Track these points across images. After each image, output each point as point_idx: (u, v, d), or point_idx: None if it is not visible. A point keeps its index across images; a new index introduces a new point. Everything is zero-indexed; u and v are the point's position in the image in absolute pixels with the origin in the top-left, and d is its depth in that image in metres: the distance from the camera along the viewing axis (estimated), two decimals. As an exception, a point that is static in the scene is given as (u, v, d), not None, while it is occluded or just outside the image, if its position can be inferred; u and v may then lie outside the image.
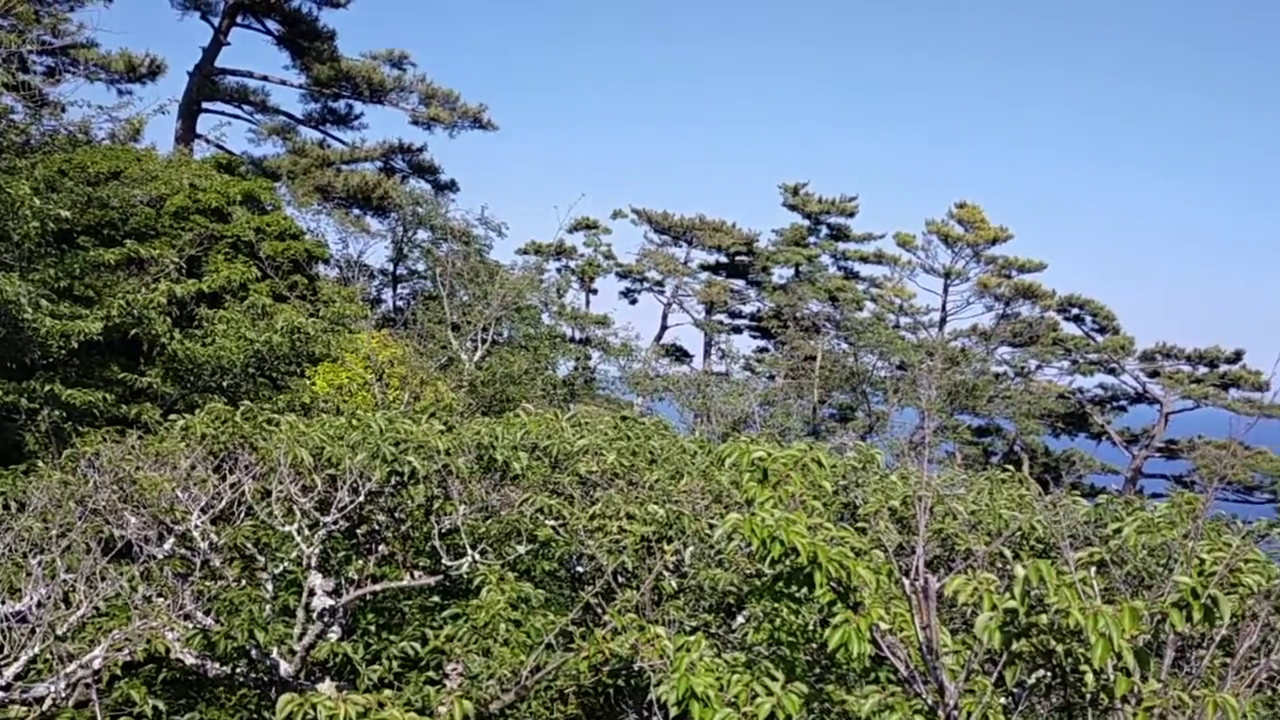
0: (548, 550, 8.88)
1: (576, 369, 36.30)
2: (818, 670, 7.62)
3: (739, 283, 45.43)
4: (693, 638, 6.34)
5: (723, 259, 45.12)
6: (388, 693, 6.38)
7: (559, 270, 40.93)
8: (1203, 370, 38.68)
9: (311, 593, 8.65)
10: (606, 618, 7.46)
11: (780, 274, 45.04)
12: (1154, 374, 39.68)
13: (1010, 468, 11.98)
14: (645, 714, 7.28)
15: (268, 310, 17.39)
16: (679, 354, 43.86)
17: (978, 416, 39.38)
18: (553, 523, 8.61)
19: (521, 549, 8.59)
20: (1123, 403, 41.20)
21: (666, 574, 8.40)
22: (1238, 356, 37.93)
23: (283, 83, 35.21)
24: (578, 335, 38.48)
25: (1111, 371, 40.59)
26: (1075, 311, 40.57)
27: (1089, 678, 4.84)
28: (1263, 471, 36.19)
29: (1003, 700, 5.94)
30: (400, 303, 33.43)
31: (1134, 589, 7.02)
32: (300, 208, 28.69)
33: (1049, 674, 5.26)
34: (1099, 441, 40.85)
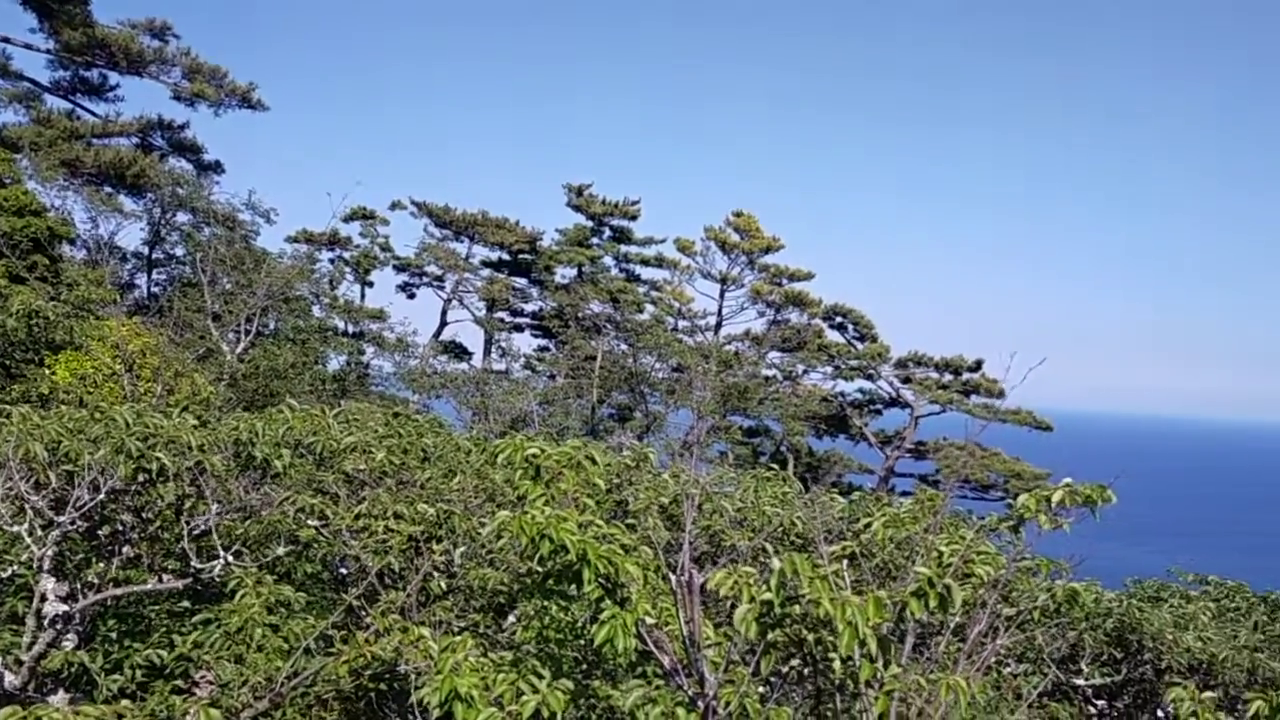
0: (310, 552, 8.53)
1: (349, 364, 35.12)
2: (585, 666, 7.66)
3: (521, 281, 45.32)
4: (459, 638, 6.23)
5: (505, 256, 44.87)
6: (126, 703, 5.95)
7: (332, 261, 39.53)
8: (948, 377, 41.76)
9: (43, 598, 7.94)
10: (369, 620, 7.24)
11: (563, 274, 45.28)
12: (906, 380, 42.48)
13: (775, 467, 12.49)
14: (408, 718, 7.09)
15: (1, 292, 15.87)
16: (458, 351, 43.25)
17: (748, 418, 40.95)
18: (315, 523, 8.27)
19: (281, 550, 8.20)
20: (879, 406, 43.87)
21: (436, 574, 8.23)
22: (978, 365, 41.17)
23: (28, 46, 32.22)
24: (351, 329, 37.24)
25: (870, 377, 43.15)
26: (839, 320, 42.89)
27: (836, 665, 5.08)
28: (997, 471, 39.45)
29: (761, 689, 6.17)
30: (156, 289, 31.30)
31: (881, 580, 7.46)
32: (44, 182, 26.36)
33: (801, 662, 5.49)
34: (857, 442, 43.34)
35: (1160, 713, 12.98)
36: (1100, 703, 13.80)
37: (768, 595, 4.84)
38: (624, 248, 45.62)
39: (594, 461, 6.93)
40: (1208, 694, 6.73)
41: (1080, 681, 12.58)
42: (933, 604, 4.93)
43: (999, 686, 10.20)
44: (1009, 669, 11.85)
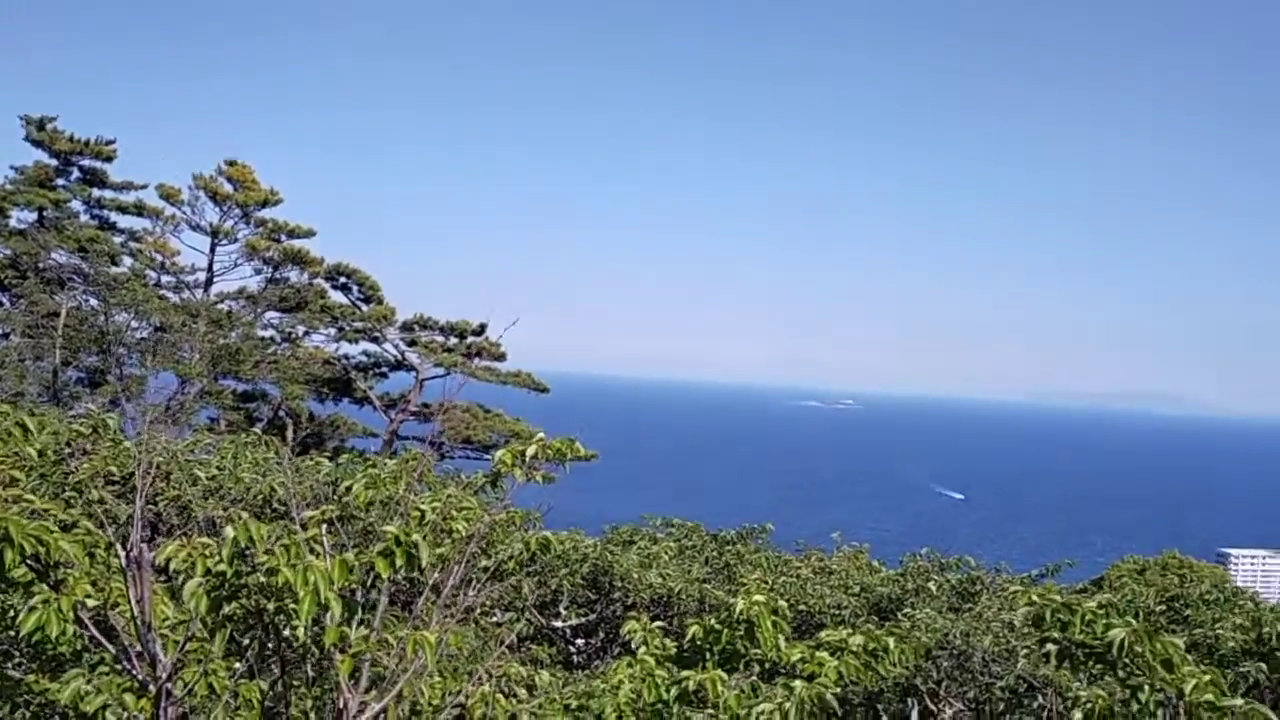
0: None
1: None
2: (18, 660, 6.70)
3: (-37, 224, 38.65)
4: None
5: (-62, 195, 37.97)
6: None
7: None
8: (453, 340, 42.60)
9: None
10: None
11: (20, 218, 39.29)
12: (412, 343, 42.65)
13: (260, 433, 11.83)
14: None
15: None
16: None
17: (243, 381, 38.63)
18: None
19: None
20: (384, 369, 43.61)
21: None
22: (482, 329, 42.47)
23: None
24: None
25: (375, 340, 42.70)
26: (343, 280, 41.87)
27: (301, 631, 4.88)
28: (499, 431, 41.06)
29: (239, 665, 5.77)
30: None
31: (363, 543, 7.33)
32: None
33: (264, 632, 5.21)
34: (361, 406, 42.75)
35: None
36: (580, 641, 14.91)
37: (221, 566, 4.50)
38: (97, 192, 40.65)
39: (27, 430, 6.03)
40: (657, 623, 7.45)
41: (559, 623, 13.51)
42: (400, 562, 4.89)
43: (485, 632, 10.59)
44: (494, 618, 12.36)
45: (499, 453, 6.85)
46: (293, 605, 4.60)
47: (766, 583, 13.87)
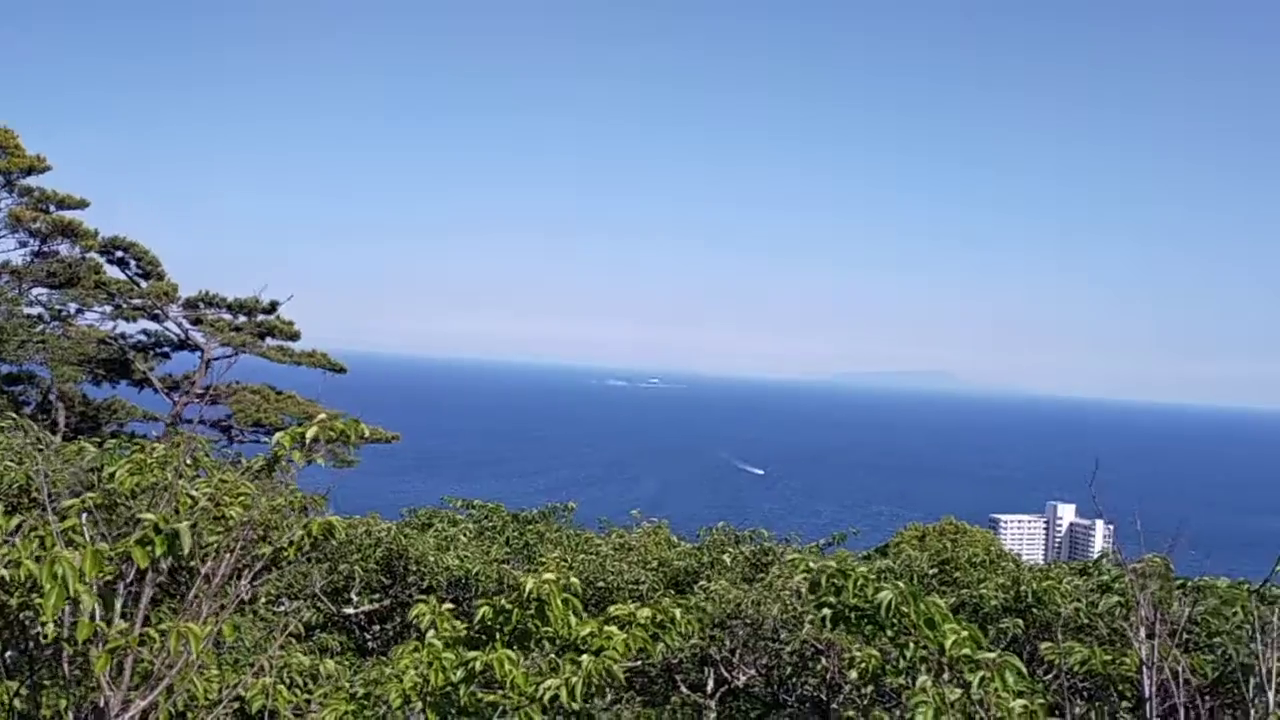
0: None
1: None
2: None
3: None
4: None
5: None
6: None
7: None
8: (242, 319, 40.56)
9: None
10: None
11: None
12: (197, 321, 40.33)
13: (20, 418, 10.94)
14: None
15: None
16: None
17: (6, 363, 35.58)
18: None
19: None
20: (166, 349, 41.05)
21: None
22: (274, 307, 40.59)
23: None
24: None
25: (155, 318, 40.13)
26: (120, 254, 39.08)
27: (49, 627, 4.52)
28: (291, 414, 39.45)
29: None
30: None
31: (125, 532, 6.88)
32: None
33: (7, 630, 4.80)
34: (141, 388, 40.15)
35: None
36: (376, 627, 14.55)
37: (-51, 561, 4.10)
38: None
39: None
40: (447, 605, 7.34)
41: (351, 610, 13.12)
42: (160, 551, 4.60)
43: (267, 620, 10.16)
44: (281, 607, 11.89)
45: (278, 435, 6.57)
46: (38, 600, 4.25)
47: (566, 561, 13.95)
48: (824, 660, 11.44)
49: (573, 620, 6.57)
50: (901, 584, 6.23)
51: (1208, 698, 9.14)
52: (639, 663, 13.24)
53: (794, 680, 12.28)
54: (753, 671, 13.32)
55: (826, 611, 6.17)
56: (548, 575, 6.52)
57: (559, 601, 6.39)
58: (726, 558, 14.64)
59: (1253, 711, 6.90)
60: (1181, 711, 6.62)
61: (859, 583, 6.01)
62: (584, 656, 5.80)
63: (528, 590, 6.35)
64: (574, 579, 6.97)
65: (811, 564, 6.10)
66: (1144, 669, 6.66)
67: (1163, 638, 7.56)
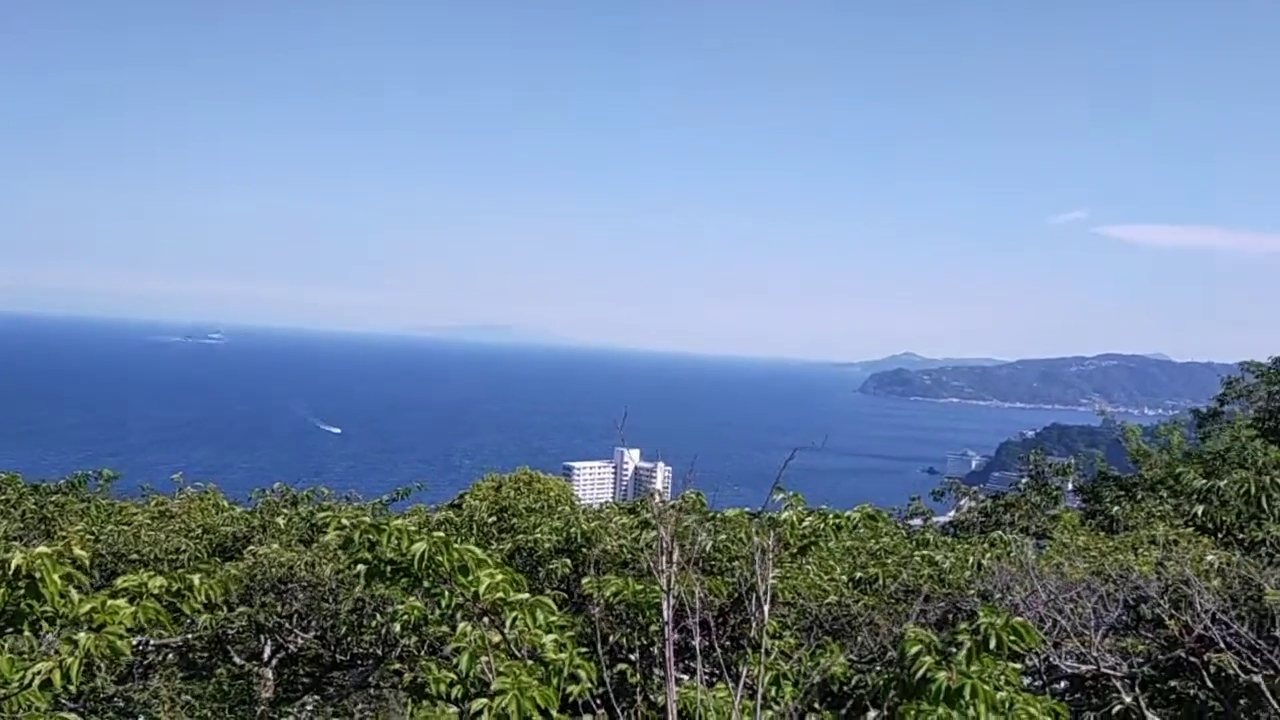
0: None
1: None
2: None
3: None
4: None
5: None
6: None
7: None
8: None
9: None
10: None
11: None
12: None
13: None
14: None
15: None
16: None
17: None
18: None
19: None
20: None
21: None
22: None
23: None
24: None
25: None
26: None
27: None
28: None
29: None
30: None
31: None
32: None
33: None
34: None
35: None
36: None
37: None
38: None
39: None
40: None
41: None
42: None
43: None
44: None
45: None
46: None
47: (93, 534, 12.57)
48: (380, 617, 11.31)
49: (74, 596, 5.88)
50: (440, 534, 6.23)
51: (732, 615, 10.19)
52: (191, 635, 12.31)
53: (349, 639, 12.03)
54: (311, 635, 12.88)
55: (362, 568, 6.02)
56: (41, 549, 5.77)
57: (54, 577, 5.67)
58: (280, 520, 13.98)
59: (754, 622, 7.76)
60: (697, 629, 7.27)
61: (394, 537, 5.93)
62: (81, 634, 5.20)
63: (13, 566, 5.57)
64: (80, 551, 6.24)
65: (343, 520, 5.92)
66: (664, 594, 7.21)
67: (682, 565, 8.27)
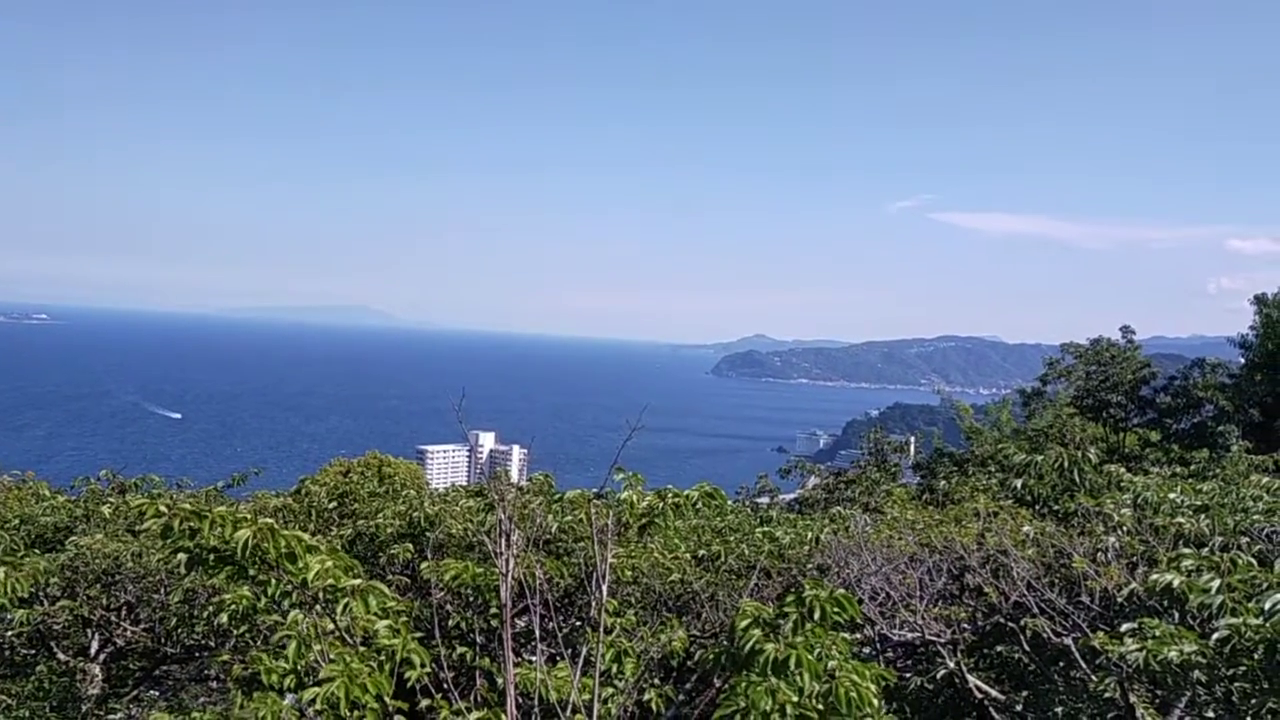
0: None
1: None
2: None
3: None
4: None
5: None
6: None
7: None
8: None
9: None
10: None
11: None
12: None
13: None
14: None
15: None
16: None
17: None
18: None
19: None
20: None
21: None
22: None
23: None
24: None
25: None
26: None
27: None
28: None
29: None
30: None
31: None
32: None
33: None
34: None
35: None
36: None
37: None
38: None
39: None
40: None
41: None
42: None
43: None
44: None
45: None
46: None
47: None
48: (211, 607, 10.89)
49: None
50: (268, 520, 6.05)
51: (577, 596, 10.25)
52: (10, 632, 11.58)
53: (180, 631, 11.55)
54: (141, 627, 12.32)
55: (183, 556, 5.79)
56: None
57: None
58: (106, 509, 13.28)
59: (593, 602, 7.83)
60: (536, 611, 7.28)
61: (217, 524, 5.71)
62: None
63: None
64: None
65: (162, 508, 5.67)
66: (501, 577, 7.19)
67: (523, 547, 8.26)
